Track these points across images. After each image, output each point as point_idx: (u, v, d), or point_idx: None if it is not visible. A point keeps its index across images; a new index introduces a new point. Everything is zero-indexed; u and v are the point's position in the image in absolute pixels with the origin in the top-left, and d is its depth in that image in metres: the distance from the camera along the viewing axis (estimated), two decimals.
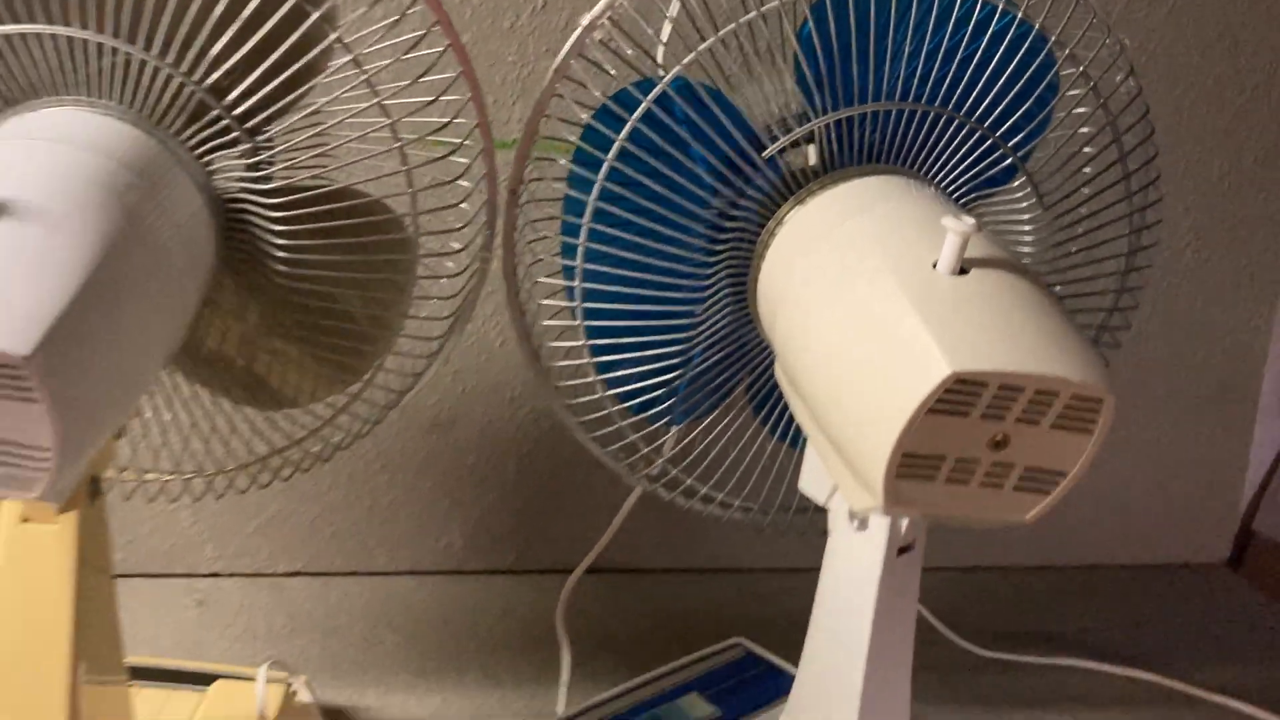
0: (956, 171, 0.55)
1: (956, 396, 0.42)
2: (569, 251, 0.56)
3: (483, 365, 0.84)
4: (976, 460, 0.44)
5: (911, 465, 0.43)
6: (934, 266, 0.45)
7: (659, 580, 0.90)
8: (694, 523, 0.90)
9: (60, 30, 0.47)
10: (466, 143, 0.54)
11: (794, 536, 0.65)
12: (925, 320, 0.42)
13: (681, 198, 0.54)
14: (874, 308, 0.45)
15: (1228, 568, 1.01)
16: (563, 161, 0.55)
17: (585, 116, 0.53)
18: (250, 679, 0.66)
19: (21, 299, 0.38)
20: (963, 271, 0.45)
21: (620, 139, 0.52)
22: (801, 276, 0.51)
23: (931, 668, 0.79)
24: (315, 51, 0.49)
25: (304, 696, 0.68)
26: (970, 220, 0.44)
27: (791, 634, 0.61)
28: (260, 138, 0.51)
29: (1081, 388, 0.42)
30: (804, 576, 0.59)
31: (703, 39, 0.53)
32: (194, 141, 0.50)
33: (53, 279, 0.39)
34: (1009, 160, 0.55)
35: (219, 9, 0.47)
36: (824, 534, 0.58)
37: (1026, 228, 0.58)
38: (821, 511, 0.58)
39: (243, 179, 0.51)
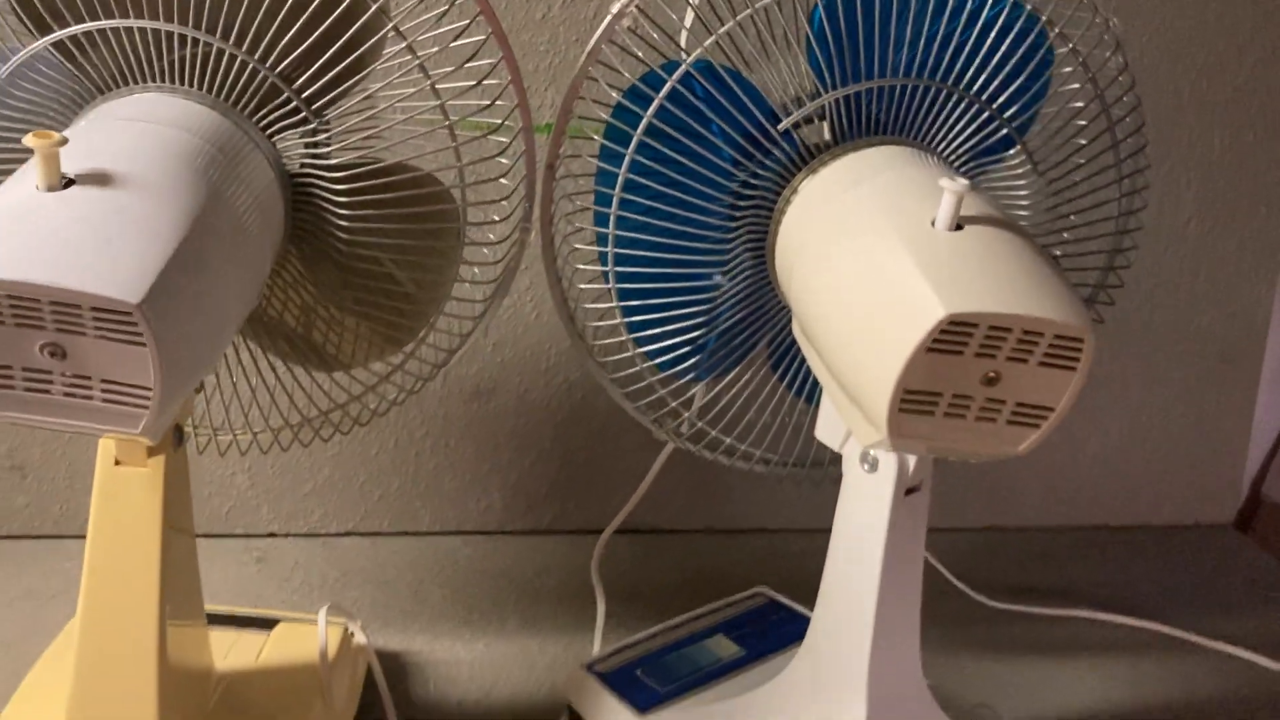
0: (957, 142, 0.60)
1: (951, 336, 0.47)
2: (602, 221, 0.61)
3: (519, 337, 0.89)
4: (971, 396, 0.49)
5: (913, 401, 0.48)
6: (932, 224, 0.50)
7: (686, 540, 0.95)
8: (718, 486, 0.95)
9: (149, 24, 0.52)
10: (508, 123, 0.60)
11: (810, 487, 0.70)
12: (923, 269, 0.47)
13: (705, 168, 0.59)
14: (878, 260, 0.50)
15: (1234, 529, 1.05)
16: (596, 138, 0.60)
17: (616, 95, 0.59)
18: (311, 622, 0.71)
19: (130, 256, 0.43)
20: (958, 228, 0.50)
21: (648, 115, 0.57)
22: (814, 237, 0.56)
23: (945, 619, 0.83)
24: (374, 39, 0.54)
25: (360, 639, 0.74)
26: (964, 181, 0.49)
27: (810, 588, 0.66)
28: (322, 119, 0.56)
29: (1064, 328, 0.47)
30: (822, 537, 0.64)
31: (722, 24, 0.58)
32: (264, 123, 0.55)
33: (155, 239, 0.44)
34: (1005, 131, 0.59)
35: (289, 2, 0.52)
36: (837, 482, 0.63)
37: (1023, 194, 0.63)
38: (835, 464, 0.63)
39: (307, 156, 0.56)
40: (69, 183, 0.45)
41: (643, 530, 0.93)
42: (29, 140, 0.44)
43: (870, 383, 0.49)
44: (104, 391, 0.45)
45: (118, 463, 0.55)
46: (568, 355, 0.89)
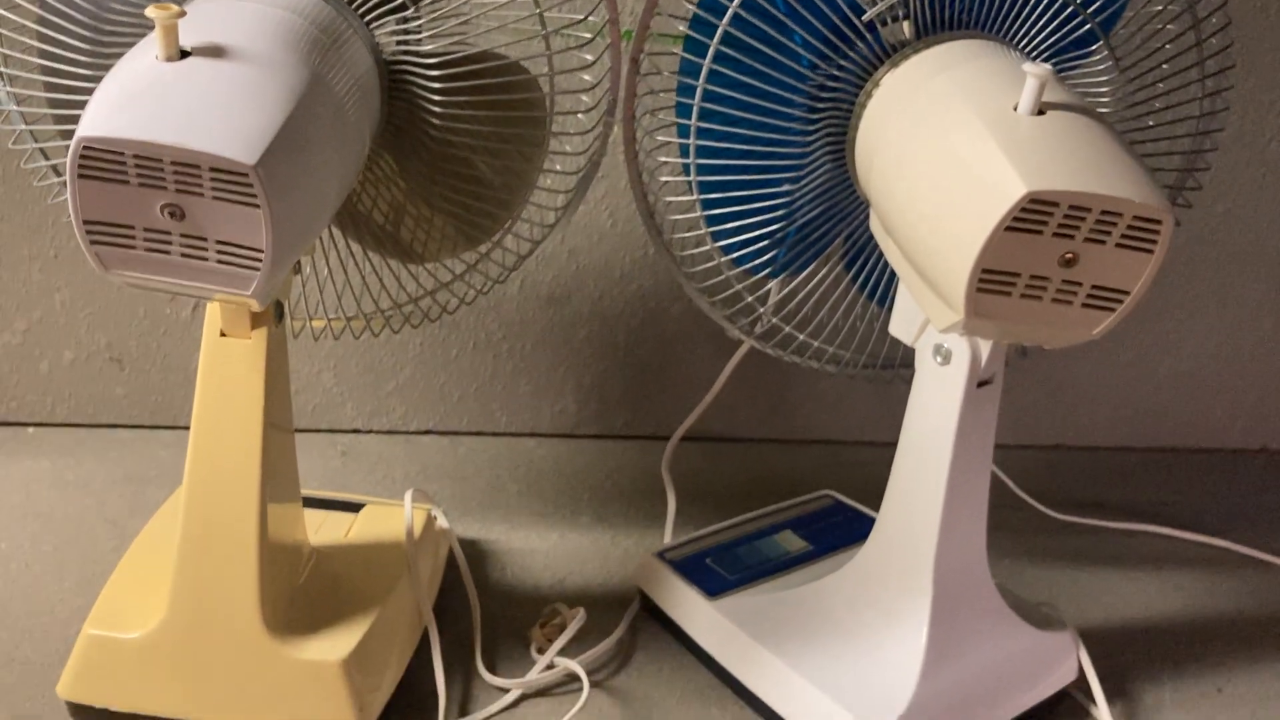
0: (1040, 37, 0.60)
1: (1031, 215, 0.48)
2: (684, 113, 0.62)
3: (594, 245, 0.91)
4: (1048, 278, 0.50)
5: (991, 280, 0.49)
6: (1015, 109, 0.50)
7: (753, 448, 0.97)
8: (786, 398, 0.97)
9: None
10: (592, 18, 0.61)
11: (880, 385, 0.71)
12: (1005, 151, 0.48)
13: (787, 58, 0.59)
14: (961, 143, 0.50)
15: None
16: (682, 28, 0.61)
17: None
18: (396, 506, 0.74)
19: (245, 121, 0.46)
20: (1040, 113, 0.50)
21: (734, 6, 0.58)
22: (896, 126, 0.56)
23: (1010, 529, 0.85)
24: None
25: (442, 523, 0.77)
26: (1047, 66, 0.50)
27: (873, 495, 0.68)
28: (418, 6, 0.58)
29: (1143, 209, 0.47)
30: (886, 449, 0.65)
31: None
32: (363, 9, 0.57)
33: (267, 108, 0.47)
34: (1088, 26, 0.59)
35: None
36: (907, 383, 0.64)
37: (1105, 92, 0.63)
38: (905, 365, 0.64)
39: (401, 43, 0.58)
40: (185, 54, 0.48)
41: (711, 438, 0.95)
42: (150, 11, 0.46)
43: (950, 262, 0.50)
44: (219, 252, 0.47)
45: (223, 334, 0.58)
46: (641, 263, 0.91)
